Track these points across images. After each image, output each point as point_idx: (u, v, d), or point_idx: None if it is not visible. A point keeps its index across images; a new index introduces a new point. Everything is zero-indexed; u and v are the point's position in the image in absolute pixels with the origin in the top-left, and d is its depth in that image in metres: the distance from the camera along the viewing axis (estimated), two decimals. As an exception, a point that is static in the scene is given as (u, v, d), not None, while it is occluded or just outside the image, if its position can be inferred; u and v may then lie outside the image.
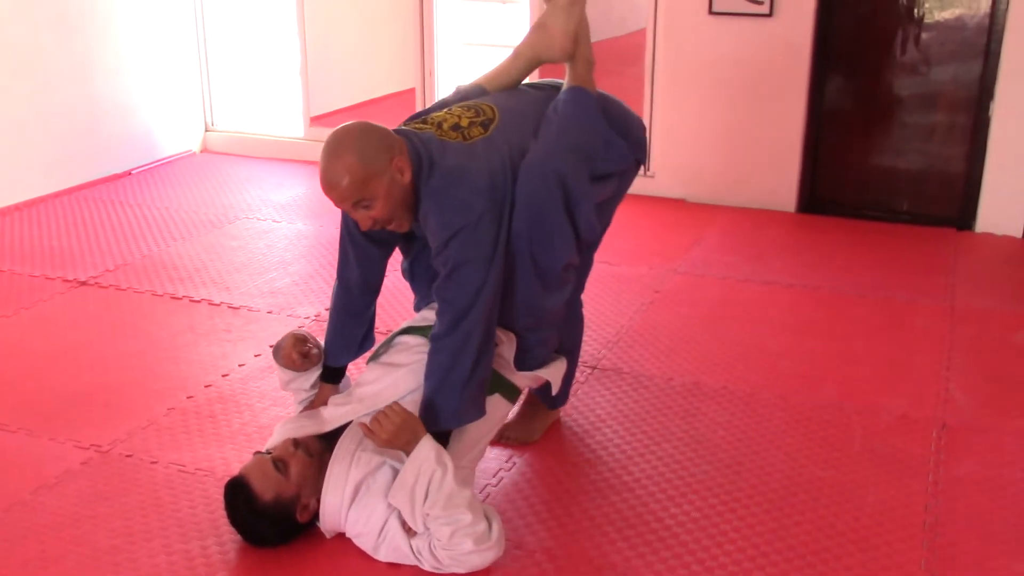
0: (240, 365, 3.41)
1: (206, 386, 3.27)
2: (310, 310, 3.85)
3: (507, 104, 2.69)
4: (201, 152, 6.18)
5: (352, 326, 2.80)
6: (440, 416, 2.49)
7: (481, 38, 6.82)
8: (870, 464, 2.82)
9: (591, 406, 3.13)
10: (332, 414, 2.57)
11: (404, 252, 2.87)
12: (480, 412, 2.56)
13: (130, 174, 5.65)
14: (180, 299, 3.96)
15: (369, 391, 2.59)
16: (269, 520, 2.40)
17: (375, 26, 6.66)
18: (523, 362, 2.70)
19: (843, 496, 2.67)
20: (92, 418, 3.06)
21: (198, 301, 3.94)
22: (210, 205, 5.13)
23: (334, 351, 2.79)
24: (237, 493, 2.40)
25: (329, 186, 2.40)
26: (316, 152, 6.51)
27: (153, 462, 2.82)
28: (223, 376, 3.34)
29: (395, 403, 2.41)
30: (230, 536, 2.48)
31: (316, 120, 6.06)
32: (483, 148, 2.53)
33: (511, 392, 2.69)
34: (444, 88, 5.75)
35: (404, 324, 2.78)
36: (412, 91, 5.75)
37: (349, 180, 2.37)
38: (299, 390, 2.74)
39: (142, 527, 2.53)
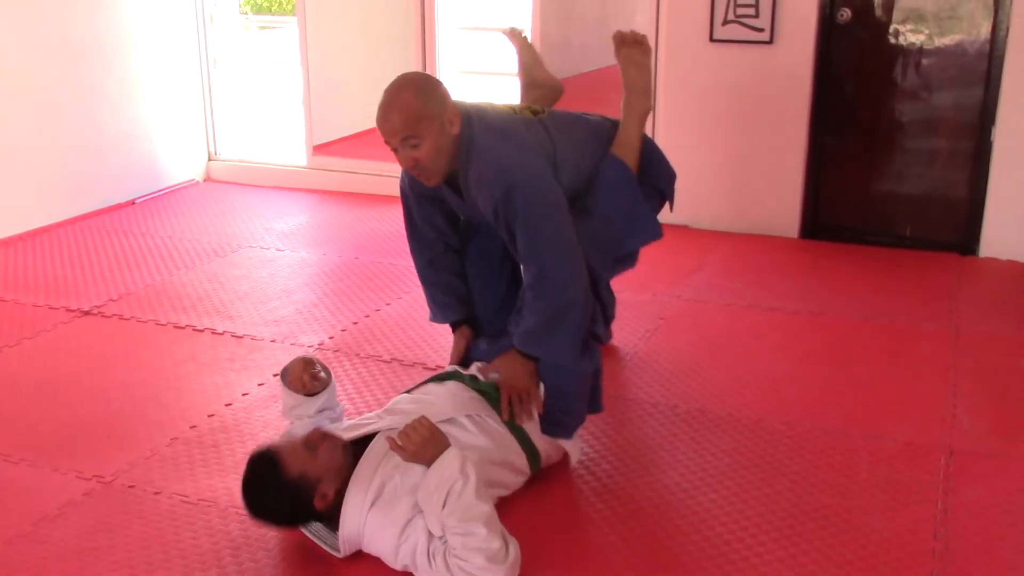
0: (243, 394, 3.40)
1: (209, 416, 3.25)
2: (313, 338, 3.84)
3: (556, 111, 3.07)
4: (204, 181, 6.20)
5: (447, 277, 3.06)
6: (537, 345, 2.70)
7: (483, 66, 6.86)
8: (877, 491, 2.80)
9: (596, 434, 3.12)
10: (351, 434, 2.60)
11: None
12: (576, 359, 2.73)
13: (133, 203, 5.67)
14: (183, 328, 3.96)
15: (406, 408, 2.67)
16: (289, 495, 2.38)
17: (377, 55, 6.70)
18: (546, 426, 2.79)
19: (851, 524, 2.65)
20: (94, 448, 3.05)
21: (201, 330, 3.93)
22: (213, 234, 5.14)
23: (438, 303, 3.08)
24: (264, 461, 2.39)
25: (385, 117, 2.59)
26: (319, 181, 6.54)
27: (156, 493, 2.81)
28: (226, 405, 3.32)
29: (422, 417, 2.43)
30: (234, 568, 2.46)
31: (319, 149, 6.08)
32: (526, 123, 2.85)
33: (533, 457, 2.75)
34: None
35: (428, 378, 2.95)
36: (414, 119, 5.76)
37: (405, 114, 2.57)
38: (302, 416, 2.74)
39: (144, 559, 2.51)
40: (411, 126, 2.57)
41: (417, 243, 3.10)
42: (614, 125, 3.18)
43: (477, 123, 2.71)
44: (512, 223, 2.65)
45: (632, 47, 3.17)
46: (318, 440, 2.44)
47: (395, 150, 2.65)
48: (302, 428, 2.70)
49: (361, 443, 2.55)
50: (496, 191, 2.62)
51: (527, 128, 2.85)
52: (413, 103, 2.57)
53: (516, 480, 2.72)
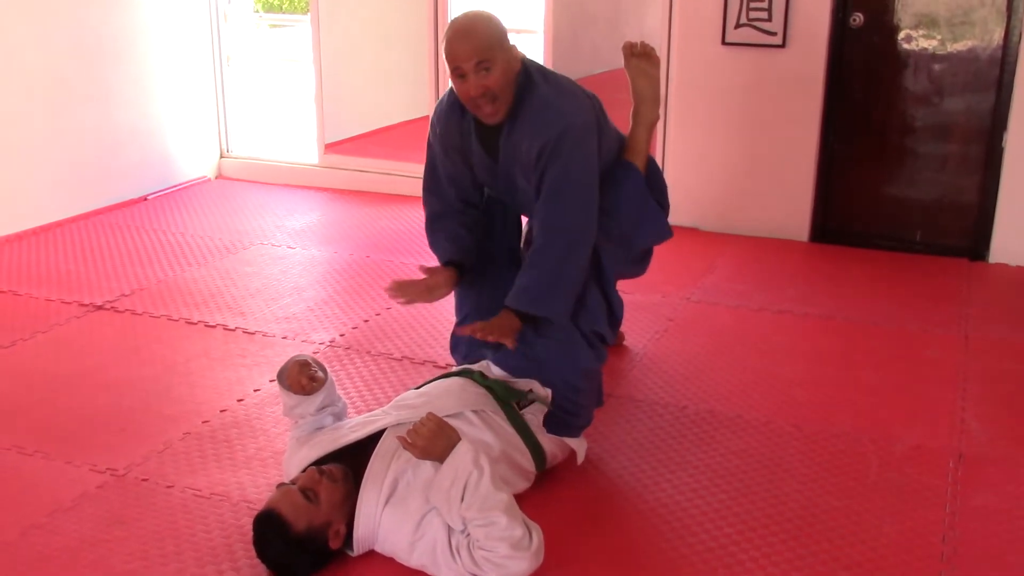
0: (255, 390, 3.42)
1: (221, 411, 3.28)
2: (324, 336, 3.86)
3: None
4: (216, 178, 6.22)
5: (454, 225, 3.04)
6: (530, 298, 2.78)
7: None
8: (886, 494, 2.81)
9: (605, 434, 3.13)
10: (359, 432, 2.60)
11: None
12: (568, 309, 2.82)
13: (146, 200, 5.69)
14: (195, 324, 3.98)
15: (413, 402, 2.70)
16: (304, 550, 2.37)
17: (389, 54, 6.72)
18: (554, 426, 2.83)
19: (859, 526, 2.66)
20: (108, 442, 3.07)
21: (213, 326, 3.96)
22: (225, 231, 5.17)
23: (439, 247, 3.05)
24: (269, 525, 2.37)
25: (463, 40, 2.67)
26: (331, 179, 6.55)
27: (169, 486, 2.83)
28: (238, 401, 3.35)
29: (429, 413, 2.44)
30: (246, 561, 2.48)
31: (331, 147, 6.10)
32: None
33: (538, 455, 2.77)
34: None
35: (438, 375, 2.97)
36: (426, 119, 5.78)
37: (481, 38, 2.66)
38: (304, 414, 2.74)
39: (158, 551, 2.53)
40: (486, 51, 2.65)
41: (431, 195, 3.11)
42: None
43: (536, 72, 2.80)
44: (551, 166, 2.71)
45: (641, 58, 3.22)
46: (315, 484, 2.41)
47: (463, 76, 2.69)
48: (306, 428, 2.72)
49: (371, 439, 2.57)
50: (551, 132, 2.70)
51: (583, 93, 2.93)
52: (488, 29, 2.67)
53: (520, 481, 2.72)
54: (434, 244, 3.12)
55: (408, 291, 2.93)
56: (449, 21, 2.75)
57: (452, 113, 2.95)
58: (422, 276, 2.97)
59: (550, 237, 2.80)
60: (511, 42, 2.76)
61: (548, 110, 2.74)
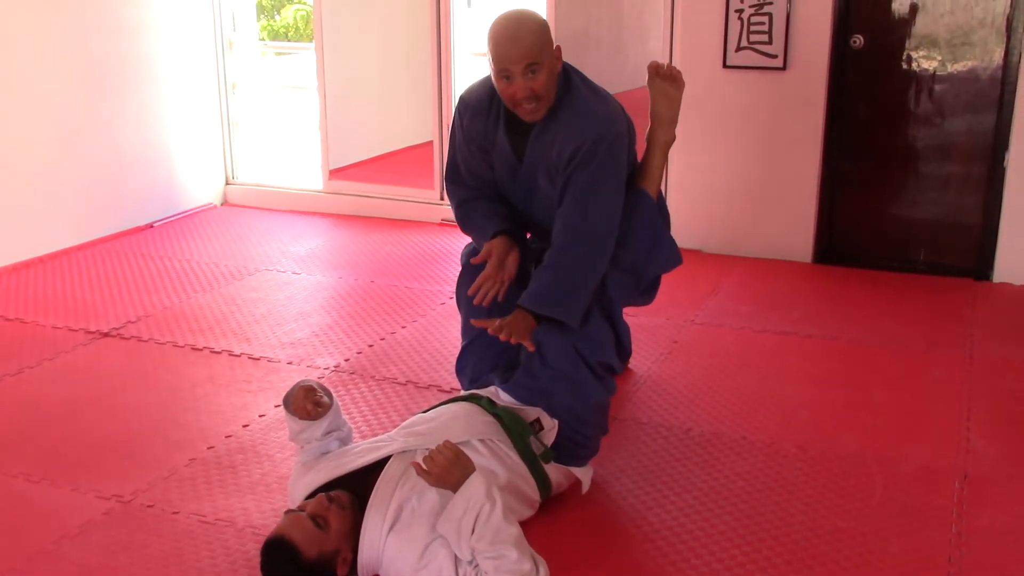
0: (260, 416, 3.43)
1: (227, 437, 3.29)
2: (329, 361, 3.87)
3: None
4: (222, 205, 6.26)
5: (485, 203, 3.02)
6: (547, 300, 2.76)
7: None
8: (891, 515, 2.81)
9: (610, 457, 3.13)
10: (365, 458, 2.59)
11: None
12: (581, 314, 2.80)
13: (151, 227, 5.73)
14: (201, 350, 3.99)
15: (421, 429, 2.68)
16: None
17: (393, 81, 6.77)
18: (561, 456, 2.82)
19: (865, 547, 2.66)
20: (114, 468, 3.08)
21: (218, 352, 3.97)
22: (230, 257, 5.19)
23: (477, 228, 3.02)
24: (280, 552, 2.36)
25: (514, 42, 2.66)
26: (335, 205, 6.55)
27: (174, 512, 2.83)
28: (244, 427, 3.35)
29: (446, 441, 2.43)
30: (251, 587, 2.48)
31: (335, 173, 6.14)
32: None
33: (543, 484, 2.76)
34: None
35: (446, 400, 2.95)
36: (430, 144, 5.83)
37: (533, 39, 2.67)
38: (310, 439, 2.74)
39: (163, 578, 2.54)
40: (537, 52, 2.67)
41: (454, 184, 3.11)
42: None
43: (575, 75, 2.82)
44: (581, 169, 2.72)
45: (666, 80, 3.21)
46: (325, 511, 2.42)
47: (509, 78, 2.69)
48: (311, 453, 2.72)
49: (376, 465, 2.57)
50: (587, 136, 2.70)
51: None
52: (538, 30, 2.67)
53: (524, 509, 2.72)
54: (471, 228, 3.09)
55: (484, 286, 2.90)
56: (495, 19, 2.73)
57: (479, 111, 2.95)
58: (484, 271, 2.92)
59: (571, 240, 2.79)
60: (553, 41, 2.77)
61: (587, 114, 2.75)
